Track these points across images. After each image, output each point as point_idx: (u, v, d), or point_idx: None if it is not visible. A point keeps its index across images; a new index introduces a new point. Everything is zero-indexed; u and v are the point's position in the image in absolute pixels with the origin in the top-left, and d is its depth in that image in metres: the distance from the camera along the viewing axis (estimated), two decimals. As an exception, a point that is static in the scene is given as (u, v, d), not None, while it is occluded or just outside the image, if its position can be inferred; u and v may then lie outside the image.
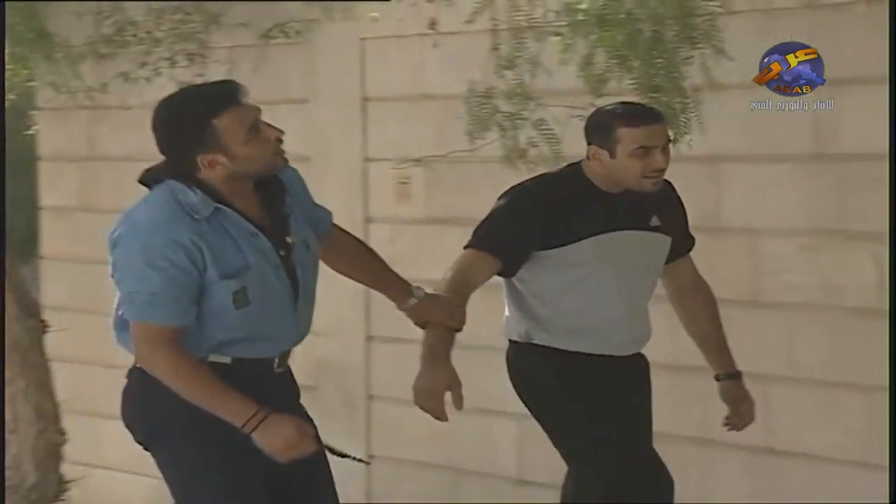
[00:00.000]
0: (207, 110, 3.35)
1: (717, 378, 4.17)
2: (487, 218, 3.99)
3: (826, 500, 4.99)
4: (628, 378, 4.04)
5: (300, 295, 3.48)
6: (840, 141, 4.89)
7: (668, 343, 4.90)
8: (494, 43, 4.78)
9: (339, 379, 6.38)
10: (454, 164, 5.67)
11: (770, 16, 4.94)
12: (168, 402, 3.37)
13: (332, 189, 6.26)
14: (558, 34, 4.60)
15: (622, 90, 4.52)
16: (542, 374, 4.01)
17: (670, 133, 4.01)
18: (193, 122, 3.36)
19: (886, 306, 4.78)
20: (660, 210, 4.01)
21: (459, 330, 3.78)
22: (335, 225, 3.76)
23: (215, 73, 6.49)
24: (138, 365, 3.42)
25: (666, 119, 4.01)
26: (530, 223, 3.91)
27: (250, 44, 6.45)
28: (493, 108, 4.79)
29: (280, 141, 3.43)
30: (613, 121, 3.89)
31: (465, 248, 3.96)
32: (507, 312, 4.06)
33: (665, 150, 3.88)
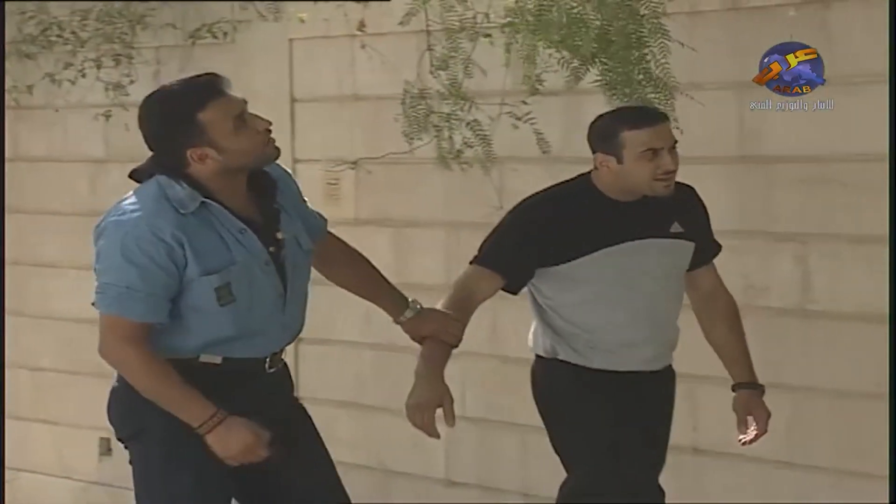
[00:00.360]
0: (192, 104, 3.33)
1: (732, 388, 4.03)
2: (492, 233, 3.90)
3: (749, 499, 5.04)
4: (650, 397, 3.92)
5: (289, 292, 3.44)
6: (765, 143, 4.95)
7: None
8: (429, 43, 4.78)
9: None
10: (385, 166, 5.67)
11: (694, 19, 4.98)
12: (148, 404, 3.35)
13: (260, 190, 6.25)
14: (487, 35, 4.61)
15: (559, 89, 4.54)
16: (563, 391, 3.92)
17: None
18: (179, 116, 3.33)
19: (811, 307, 4.83)
20: (681, 216, 3.90)
21: (455, 345, 3.72)
22: (330, 233, 3.72)
23: (142, 75, 6.46)
24: (101, 356, 3.38)
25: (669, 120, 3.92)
26: (533, 240, 3.81)
27: (177, 44, 6.42)
28: (428, 109, 4.79)
29: (269, 131, 3.41)
30: (616, 125, 3.79)
31: (470, 263, 3.88)
32: (533, 326, 3.99)
33: (672, 151, 3.79)
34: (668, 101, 4.41)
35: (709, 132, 4.97)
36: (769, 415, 3.99)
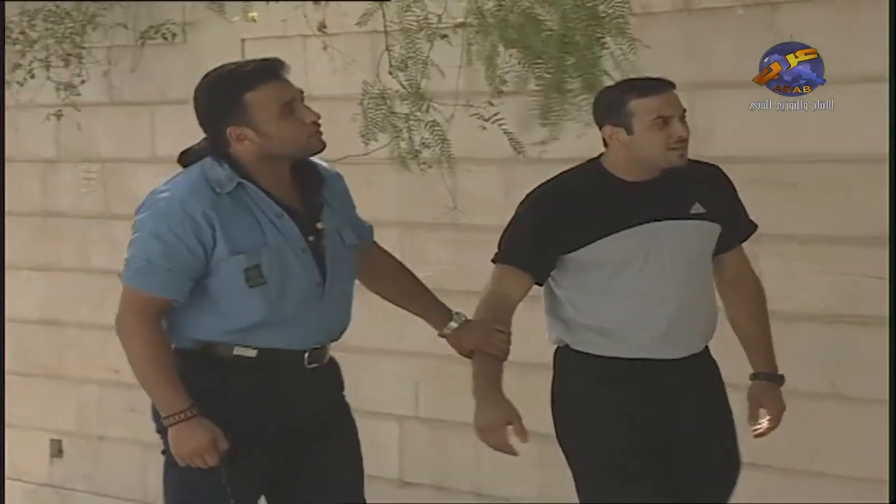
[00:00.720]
0: (242, 84, 3.36)
1: (750, 377, 3.91)
2: (507, 227, 3.81)
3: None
4: (675, 388, 3.73)
5: (328, 283, 3.43)
6: (716, 144, 4.97)
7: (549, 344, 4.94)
8: (387, 44, 4.78)
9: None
10: (340, 165, 5.66)
11: (646, 20, 5.00)
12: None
13: (212, 191, 6.22)
14: (444, 35, 4.61)
15: (521, 90, 4.55)
16: (574, 387, 3.80)
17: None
18: (226, 94, 3.36)
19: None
20: (704, 196, 3.74)
21: (503, 357, 3.66)
22: (376, 244, 3.73)
23: (93, 75, 6.43)
24: (116, 326, 3.39)
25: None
26: (545, 229, 3.71)
27: (128, 45, 6.39)
28: (388, 110, 4.79)
29: (317, 124, 3.42)
30: (624, 95, 3.68)
31: (492, 261, 3.81)
32: (547, 320, 3.88)
33: (683, 120, 3.68)
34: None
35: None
36: (783, 408, 3.86)
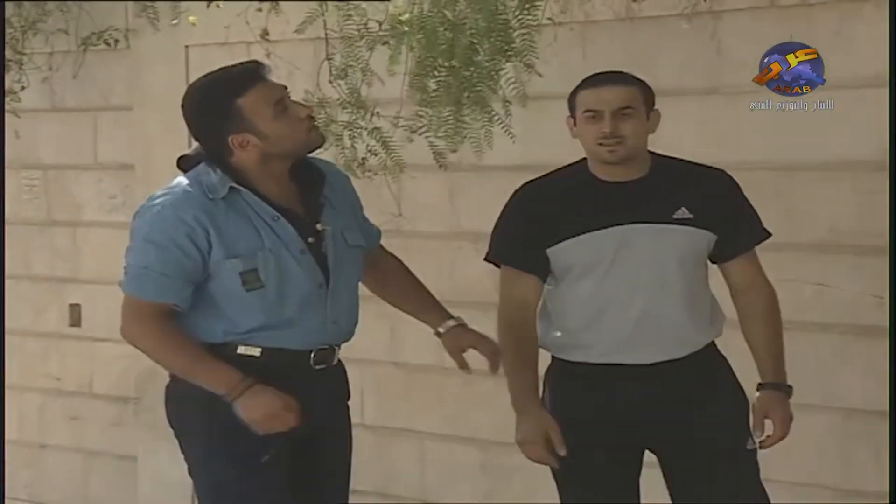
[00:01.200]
0: (232, 90, 3.35)
1: (756, 387, 3.76)
2: (495, 226, 3.80)
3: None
4: (641, 394, 3.64)
5: (332, 284, 3.43)
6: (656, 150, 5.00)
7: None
8: (328, 52, 4.77)
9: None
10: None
11: (588, 27, 5.03)
12: (192, 401, 3.39)
13: (155, 198, 6.19)
14: (386, 43, 4.61)
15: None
16: (548, 392, 3.75)
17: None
18: (219, 103, 3.35)
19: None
20: (694, 201, 3.65)
21: (492, 364, 3.62)
22: (381, 247, 3.73)
23: (34, 80, 6.38)
24: (122, 336, 3.41)
25: (634, 84, 3.70)
26: (529, 222, 3.69)
27: (70, 50, 6.35)
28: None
29: (311, 118, 3.43)
30: (576, 87, 3.70)
31: (485, 259, 3.80)
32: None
33: (619, 116, 3.60)
34: (507, 115, 4.43)
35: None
36: (790, 418, 3.74)
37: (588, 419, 3.68)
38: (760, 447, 3.75)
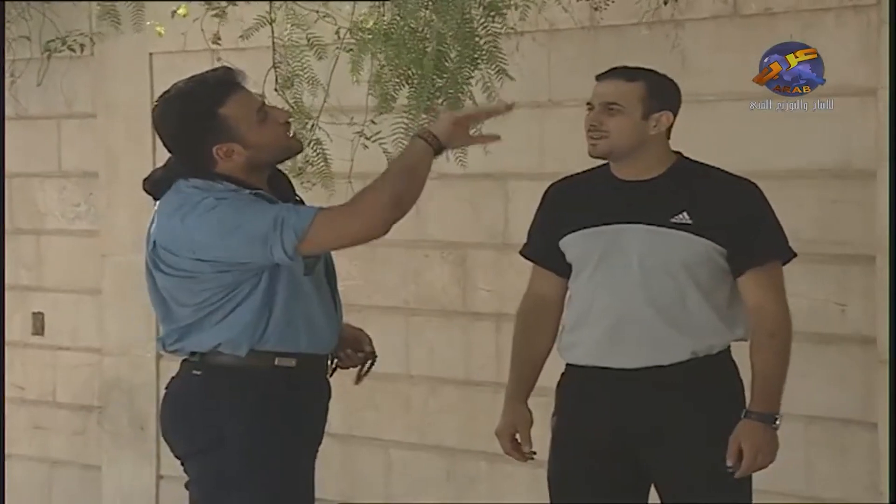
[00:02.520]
0: (212, 100, 3.27)
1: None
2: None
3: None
4: (626, 400, 3.53)
5: (335, 285, 3.45)
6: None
7: (459, 359, 4.95)
8: (275, 60, 4.75)
9: (128, 399, 6.27)
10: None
11: (553, 36, 5.04)
12: (229, 410, 3.29)
13: (120, 205, 6.16)
14: (349, 50, 4.60)
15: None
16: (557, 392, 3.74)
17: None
18: (200, 114, 3.26)
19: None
20: (699, 208, 3.50)
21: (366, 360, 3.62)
22: None
23: (-4, 88, 6.35)
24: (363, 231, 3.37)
25: (636, 81, 3.58)
26: (546, 217, 3.73)
27: (33, 57, 6.33)
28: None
29: (289, 123, 3.39)
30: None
31: (519, 252, 3.84)
32: None
33: (605, 111, 3.54)
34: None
35: (567, 147, 5.03)
36: (770, 449, 3.51)
37: (577, 422, 3.63)
38: (732, 474, 3.51)
